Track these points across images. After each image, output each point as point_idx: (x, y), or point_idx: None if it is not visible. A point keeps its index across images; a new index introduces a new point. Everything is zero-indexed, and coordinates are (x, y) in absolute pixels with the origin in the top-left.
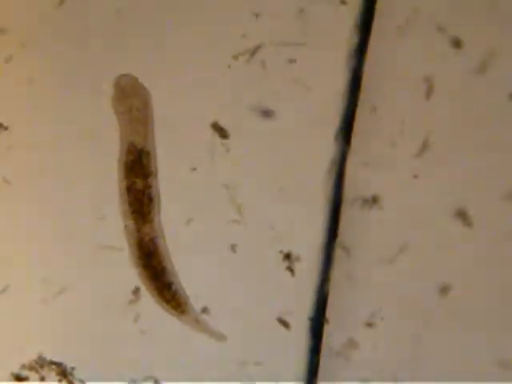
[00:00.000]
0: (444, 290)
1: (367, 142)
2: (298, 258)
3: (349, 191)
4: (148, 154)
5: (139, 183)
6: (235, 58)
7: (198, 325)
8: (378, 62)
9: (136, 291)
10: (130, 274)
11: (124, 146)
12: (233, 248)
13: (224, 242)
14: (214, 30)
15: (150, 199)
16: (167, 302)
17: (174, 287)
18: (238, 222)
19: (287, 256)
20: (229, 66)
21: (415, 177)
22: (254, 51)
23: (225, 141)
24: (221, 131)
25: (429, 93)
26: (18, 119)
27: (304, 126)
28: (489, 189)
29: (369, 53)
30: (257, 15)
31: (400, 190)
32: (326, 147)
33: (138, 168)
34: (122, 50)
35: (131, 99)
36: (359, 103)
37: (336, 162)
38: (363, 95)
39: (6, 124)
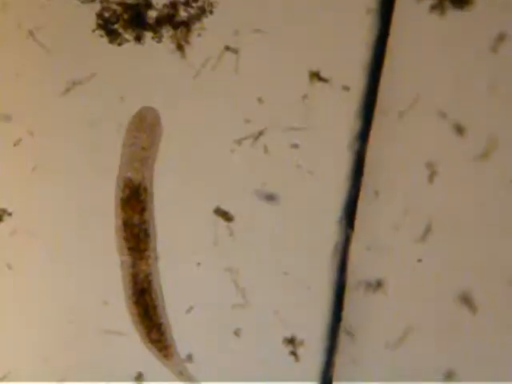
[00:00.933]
0: (449, 375)
1: (370, 226)
2: (301, 343)
3: (353, 275)
4: (145, 189)
5: (135, 218)
6: (239, 142)
7: (182, 374)
8: (380, 146)
9: (139, 377)
10: (133, 359)
11: (121, 180)
12: (236, 332)
13: (228, 326)
14: (217, 114)
15: (147, 235)
16: (154, 342)
17: (163, 328)
18: (241, 305)
19: (291, 340)
20: (232, 151)
21: (419, 261)
22: (257, 136)
23: (228, 224)
24: (224, 215)
25: (431, 178)
26: (22, 205)
27: (307, 210)
28: (493, 274)
29: (371, 138)
30: (260, 100)
31: (404, 273)
32: (330, 231)
33: (134, 203)
34: None
35: (142, 133)
36: (362, 187)
37: (340, 246)
38: (366, 180)
39: (10, 210)
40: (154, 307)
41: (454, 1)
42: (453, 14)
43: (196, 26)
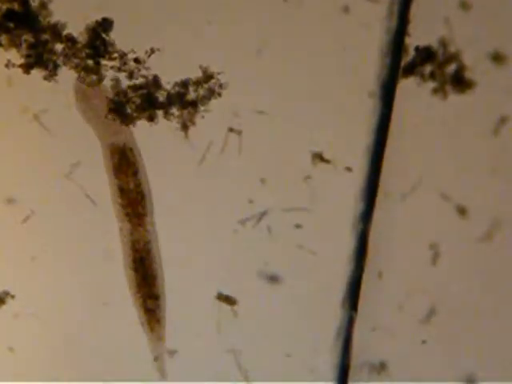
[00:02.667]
0: None
1: (374, 307)
2: None
3: (356, 357)
4: (131, 150)
5: (130, 182)
6: (242, 223)
7: (160, 344)
8: (383, 228)
9: None
10: None
11: (106, 149)
12: None
13: None
14: (221, 195)
15: (143, 197)
16: (148, 311)
17: (159, 301)
18: None
19: None
20: (235, 232)
21: (423, 342)
22: (260, 217)
23: (232, 307)
24: (227, 300)
25: (435, 259)
26: (25, 287)
27: (311, 291)
28: (498, 355)
29: (374, 219)
30: (263, 181)
31: (408, 355)
32: (333, 312)
33: (125, 167)
34: None
35: (94, 100)
36: (365, 269)
37: (343, 328)
38: (369, 261)
39: (12, 292)
40: (153, 276)
41: (455, 84)
42: (454, 98)
43: (203, 107)
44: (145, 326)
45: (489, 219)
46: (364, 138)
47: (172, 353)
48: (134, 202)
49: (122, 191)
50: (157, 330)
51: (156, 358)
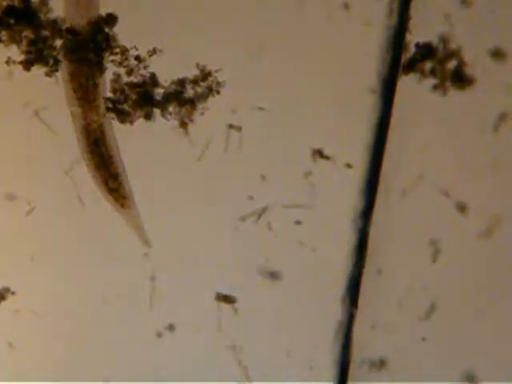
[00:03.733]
0: None
1: (374, 304)
2: None
3: (356, 354)
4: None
5: (83, 68)
6: (242, 219)
7: (136, 221)
8: (383, 224)
9: None
10: None
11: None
12: None
13: None
14: (220, 191)
15: (95, 84)
16: (111, 192)
17: (119, 179)
18: None
19: None
20: (236, 228)
21: (423, 339)
22: (260, 213)
23: (232, 305)
24: (226, 299)
25: (435, 256)
26: (26, 284)
27: (311, 287)
28: (498, 354)
29: (374, 215)
30: (263, 177)
31: (408, 353)
32: (333, 309)
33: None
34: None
35: None
36: (365, 265)
37: (343, 325)
38: (369, 257)
39: (13, 289)
40: (110, 156)
41: (455, 81)
42: (454, 94)
43: (201, 104)
44: (114, 204)
45: (489, 216)
46: (364, 135)
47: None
48: (85, 88)
49: (74, 75)
50: (126, 205)
51: (136, 230)
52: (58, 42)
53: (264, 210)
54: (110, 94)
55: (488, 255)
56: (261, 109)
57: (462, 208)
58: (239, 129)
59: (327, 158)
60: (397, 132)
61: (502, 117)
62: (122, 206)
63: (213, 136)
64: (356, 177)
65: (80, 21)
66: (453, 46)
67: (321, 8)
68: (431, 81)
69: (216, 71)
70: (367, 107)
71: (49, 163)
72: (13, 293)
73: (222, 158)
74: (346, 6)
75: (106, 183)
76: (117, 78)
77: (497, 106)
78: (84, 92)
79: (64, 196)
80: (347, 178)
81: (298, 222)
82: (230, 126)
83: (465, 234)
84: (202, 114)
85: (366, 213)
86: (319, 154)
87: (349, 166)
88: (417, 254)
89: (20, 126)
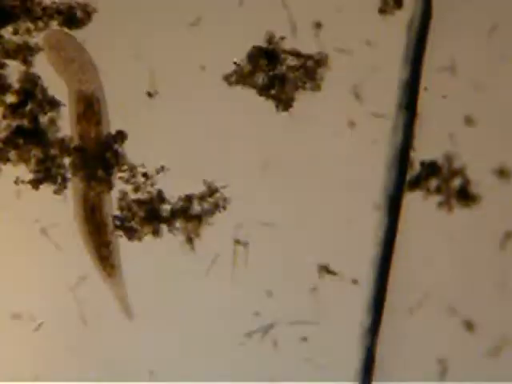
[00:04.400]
0: None
1: None
2: None
3: None
4: (98, 100)
5: (91, 131)
6: (249, 336)
7: (121, 291)
8: (390, 341)
9: None
10: None
11: (73, 95)
12: None
13: None
14: (226, 307)
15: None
16: (101, 259)
17: (111, 247)
18: None
19: None
20: (242, 344)
21: None
22: (266, 329)
23: None
24: None
25: (443, 374)
26: None
27: None
28: None
29: (381, 332)
30: (269, 293)
31: None
32: None
33: (89, 114)
34: None
35: (65, 50)
36: (373, 383)
37: None
38: (376, 375)
39: None
40: (105, 225)
41: (460, 199)
42: (460, 211)
43: (208, 220)
44: (101, 273)
45: (497, 335)
46: (370, 251)
47: None
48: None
49: (82, 139)
50: (113, 274)
51: (120, 300)
52: (67, 160)
53: (270, 327)
54: (117, 212)
55: (496, 374)
56: (267, 224)
57: (469, 326)
58: (246, 244)
59: (333, 273)
60: (403, 248)
61: (508, 235)
62: (109, 275)
63: (219, 251)
64: (362, 293)
65: (89, 139)
66: (457, 164)
67: (327, 125)
68: (437, 198)
69: (222, 187)
70: (373, 223)
71: (55, 280)
72: None
73: (229, 274)
74: (352, 124)
75: (97, 250)
76: (124, 195)
77: (503, 223)
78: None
79: (70, 312)
80: (353, 294)
81: (304, 339)
82: (237, 242)
83: (472, 352)
84: (208, 229)
85: (373, 329)
86: (325, 269)
87: (355, 281)
88: (424, 372)
89: (27, 244)
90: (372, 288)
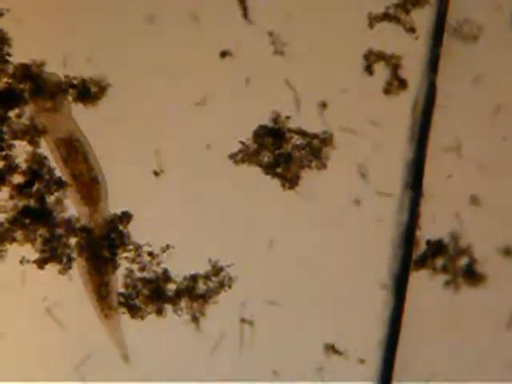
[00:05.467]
0: None
1: None
2: None
3: None
4: (78, 140)
5: (82, 168)
6: None
7: (117, 333)
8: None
9: None
10: None
11: (53, 144)
12: None
13: None
14: None
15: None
16: (100, 299)
17: (110, 286)
18: None
19: None
20: None
21: None
22: None
23: None
24: None
25: None
26: None
27: None
28: None
29: None
30: (275, 372)
31: None
32: None
33: (73, 155)
34: None
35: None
36: None
37: None
38: None
39: None
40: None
41: (467, 278)
42: (466, 291)
43: (213, 299)
44: (99, 314)
45: None
46: (376, 330)
47: None
48: (88, 187)
49: (76, 178)
50: (110, 316)
51: (117, 342)
52: (72, 240)
53: None
54: (122, 289)
55: None
56: (272, 303)
57: None
58: (251, 323)
59: (339, 353)
60: (409, 328)
61: None
62: (106, 316)
63: (225, 330)
64: (369, 373)
65: (94, 219)
66: (463, 243)
67: (333, 203)
68: (443, 277)
69: (228, 266)
70: (379, 303)
71: (59, 359)
72: None
73: (235, 353)
74: (357, 202)
75: (97, 289)
76: (129, 273)
77: (509, 303)
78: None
79: None
80: (360, 374)
81: None
82: (243, 320)
83: None
84: (214, 308)
85: None
86: (332, 349)
87: (361, 361)
88: None
89: (32, 323)
90: (379, 368)
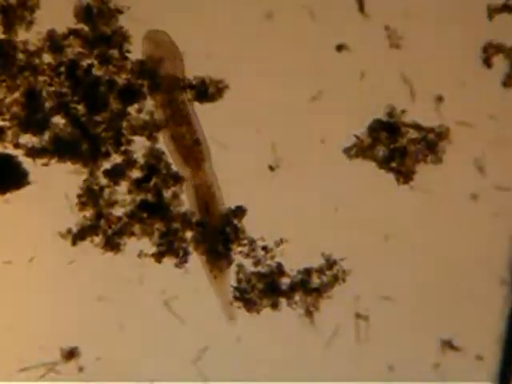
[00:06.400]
0: None
1: None
2: None
3: None
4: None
5: (183, 129)
6: None
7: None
8: None
9: None
10: None
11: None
12: None
13: None
14: (348, 380)
15: (198, 143)
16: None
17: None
18: None
19: None
20: None
21: None
22: None
23: None
24: None
25: None
26: None
27: None
28: None
29: None
30: (391, 368)
31: None
32: None
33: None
34: None
35: None
36: None
37: None
38: None
39: None
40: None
41: None
42: None
43: (327, 293)
44: (208, 274)
45: None
46: (496, 326)
47: None
48: (189, 148)
49: (175, 139)
50: (219, 276)
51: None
52: (188, 234)
53: None
54: (235, 284)
55: None
56: (387, 298)
57: None
58: (366, 318)
59: (457, 349)
60: None
61: None
62: (215, 277)
63: (339, 325)
64: (487, 369)
65: (209, 214)
66: None
67: (449, 198)
68: None
69: (341, 259)
70: (498, 298)
71: (177, 352)
72: None
73: (350, 347)
74: (474, 197)
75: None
76: (241, 268)
77: None
78: (189, 152)
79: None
80: (478, 371)
81: None
82: (357, 315)
83: None
84: (328, 302)
85: None
86: (449, 345)
87: (480, 357)
88: None
89: (151, 316)
90: (497, 364)
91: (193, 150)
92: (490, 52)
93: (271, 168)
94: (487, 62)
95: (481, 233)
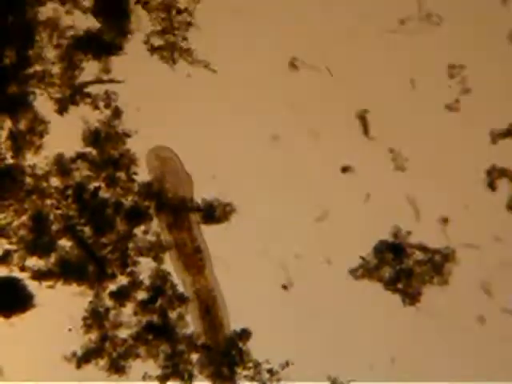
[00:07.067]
0: None
1: None
2: None
3: None
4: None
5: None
6: None
7: None
8: None
9: None
10: None
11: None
12: None
13: None
14: None
15: (199, 251)
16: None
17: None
18: None
19: None
20: None
21: None
22: None
23: None
24: None
25: None
26: None
27: None
28: None
29: None
30: None
31: None
32: None
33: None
34: None
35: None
36: None
37: None
38: None
39: None
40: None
41: None
42: None
43: None
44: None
45: None
46: None
47: None
48: (191, 256)
49: (178, 246)
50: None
51: None
52: (193, 357)
53: None
54: None
55: None
56: None
57: None
58: None
59: None
60: None
61: None
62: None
63: None
64: None
65: (214, 336)
66: None
67: (455, 320)
68: None
69: (348, 382)
70: None
71: None
72: None
73: None
74: (481, 320)
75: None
76: None
77: None
78: (190, 260)
79: None
80: None
81: None
82: None
83: None
84: None
85: None
86: None
87: None
88: None
89: None
90: None
91: (193, 258)
92: (493, 175)
93: (284, 287)
94: (491, 186)
95: (488, 358)
